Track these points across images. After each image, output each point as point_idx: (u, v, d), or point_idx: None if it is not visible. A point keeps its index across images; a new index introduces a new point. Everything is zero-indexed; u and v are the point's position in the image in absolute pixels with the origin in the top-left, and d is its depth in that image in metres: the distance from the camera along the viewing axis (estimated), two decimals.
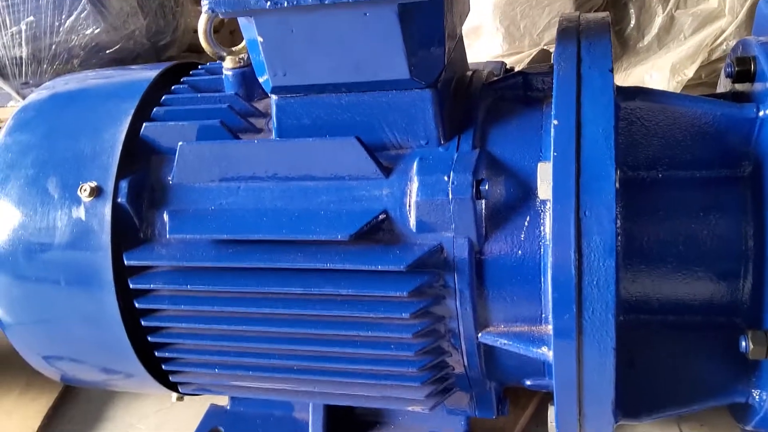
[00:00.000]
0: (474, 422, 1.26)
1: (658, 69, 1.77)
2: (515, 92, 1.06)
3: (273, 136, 1.07)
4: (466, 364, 1.05)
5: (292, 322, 1.04)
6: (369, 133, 1.02)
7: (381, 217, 0.99)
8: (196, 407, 1.40)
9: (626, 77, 1.84)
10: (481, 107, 1.05)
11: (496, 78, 1.12)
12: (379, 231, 1.00)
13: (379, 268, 0.96)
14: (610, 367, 0.86)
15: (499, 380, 1.12)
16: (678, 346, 1.00)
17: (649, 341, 1.01)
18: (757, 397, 0.94)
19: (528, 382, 1.07)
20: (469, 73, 1.14)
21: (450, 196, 0.94)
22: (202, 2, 0.94)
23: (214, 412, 1.37)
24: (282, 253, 1.01)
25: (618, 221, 0.96)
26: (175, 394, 1.29)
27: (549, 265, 0.86)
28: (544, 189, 0.88)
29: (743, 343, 0.89)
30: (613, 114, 0.86)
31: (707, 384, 0.98)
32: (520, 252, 0.97)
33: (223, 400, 1.39)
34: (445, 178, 0.95)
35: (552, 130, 0.88)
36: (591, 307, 0.85)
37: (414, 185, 0.97)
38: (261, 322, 1.06)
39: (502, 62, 1.23)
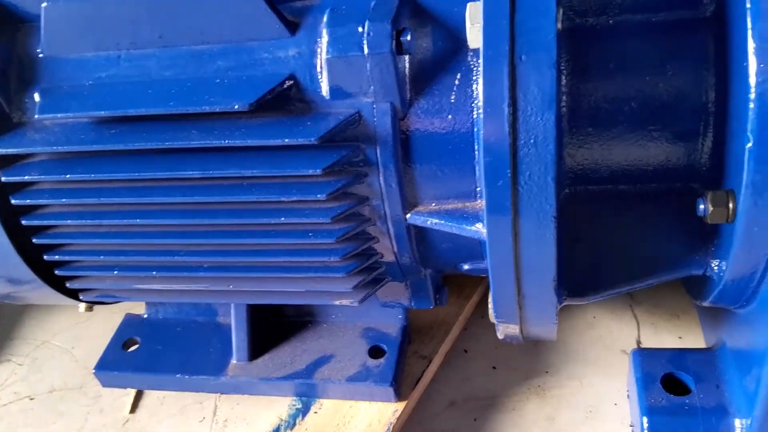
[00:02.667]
0: (415, 314, 1.17)
1: None
2: None
3: None
4: (395, 250, 0.93)
5: (192, 212, 0.90)
6: None
7: (288, 83, 0.84)
8: (115, 319, 1.28)
9: None
10: None
11: None
12: (287, 100, 0.85)
13: (286, 142, 0.82)
14: (550, 238, 0.75)
15: (435, 267, 1.01)
16: (629, 218, 0.89)
17: (599, 214, 0.90)
18: (716, 267, 0.85)
19: (465, 267, 0.97)
20: None
21: (366, 51, 0.79)
22: None
23: (129, 321, 1.25)
24: (173, 130, 0.86)
25: (563, 77, 0.85)
26: (82, 305, 1.16)
27: (480, 124, 0.73)
28: (475, 33, 0.74)
29: (701, 206, 0.78)
30: None
31: (661, 257, 0.88)
32: (450, 116, 0.83)
33: (140, 309, 1.27)
34: (360, 29, 0.79)
35: None
36: (528, 170, 0.72)
37: (324, 41, 0.82)
38: (156, 214, 0.91)
39: None
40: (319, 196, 0.84)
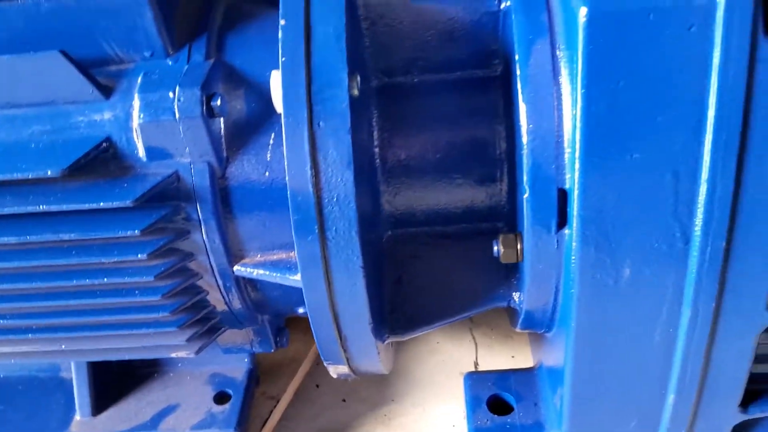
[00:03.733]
0: (264, 355, 1.20)
1: None
2: None
3: None
4: (226, 300, 0.96)
5: (13, 276, 0.89)
6: (82, 46, 0.87)
7: (103, 146, 0.85)
8: None
9: None
10: (218, 10, 0.93)
11: None
12: (104, 163, 0.86)
13: (101, 205, 0.83)
14: (360, 286, 0.81)
15: (271, 313, 1.05)
16: (444, 257, 0.97)
17: (418, 254, 0.97)
18: (517, 300, 0.93)
19: (300, 311, 1.01)
20: None
21: (177, 116, 0.82)
22: None
23: None
24: None
25: (375, 132, 0.91)
26: None
27: (288, 184, 0.77)
28: (278, 100, 0.79)
29: (495, 248, 0.87)
30: (344, 11, 0.77)
31: (471, 292, 0.95)
32: (267, 174, 0.88)
33: None
34: (171, 95, 0.82)
35: (280, 32, 0.77)
36: (333, 226, 0.78)
37: (137, 105, 0.84)
38: None
39: None
40: (140, 256, 0.86)
